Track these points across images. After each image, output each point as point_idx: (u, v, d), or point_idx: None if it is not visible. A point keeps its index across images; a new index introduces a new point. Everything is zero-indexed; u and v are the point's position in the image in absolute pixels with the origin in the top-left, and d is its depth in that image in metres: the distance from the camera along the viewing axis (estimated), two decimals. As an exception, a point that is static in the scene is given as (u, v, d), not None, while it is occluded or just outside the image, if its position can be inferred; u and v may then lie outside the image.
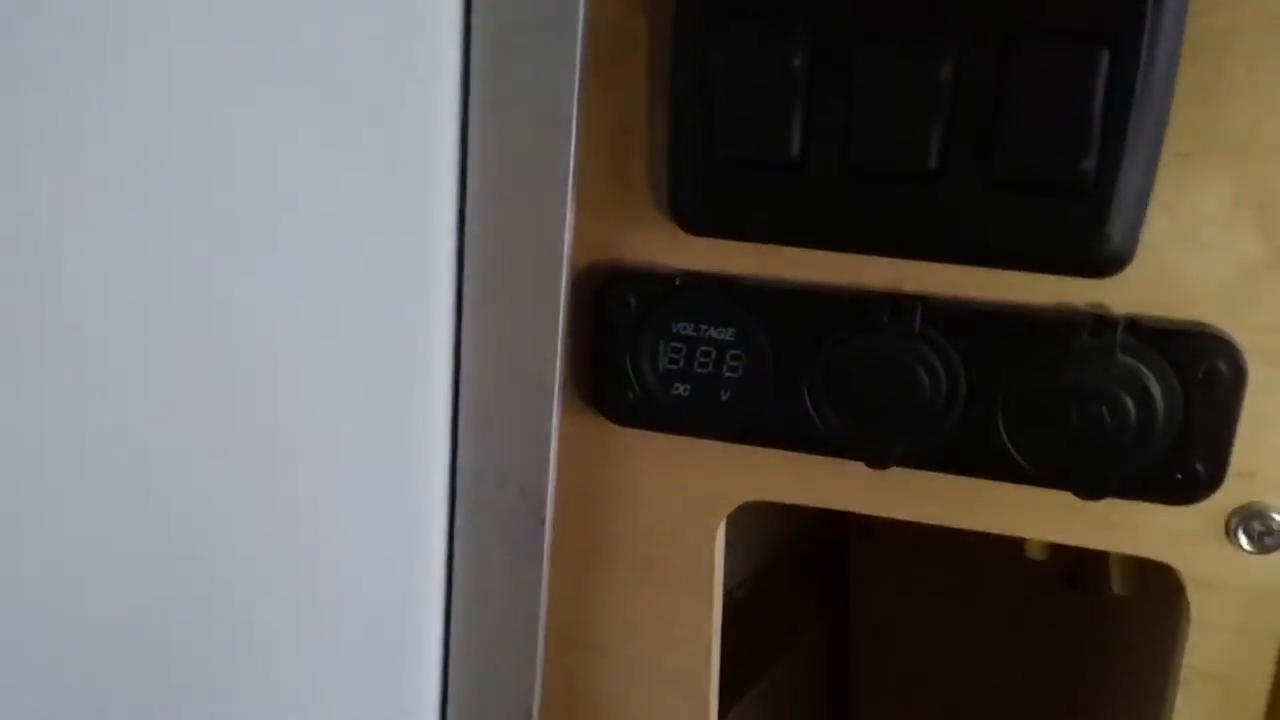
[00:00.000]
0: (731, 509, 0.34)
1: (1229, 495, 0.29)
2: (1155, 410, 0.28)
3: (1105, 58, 0.26)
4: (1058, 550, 0.40)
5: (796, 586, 0.74)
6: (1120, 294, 0.28)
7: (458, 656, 0.35)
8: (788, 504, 0.33)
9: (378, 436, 0.33)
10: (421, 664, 0.35)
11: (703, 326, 0.32)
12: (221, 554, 0.32)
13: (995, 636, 0.69)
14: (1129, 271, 0.28)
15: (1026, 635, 0.68)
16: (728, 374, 0.32)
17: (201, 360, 0.30)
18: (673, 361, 0.32)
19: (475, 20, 0.30)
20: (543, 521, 0.33)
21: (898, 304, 0.30)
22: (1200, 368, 0.28)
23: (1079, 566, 0.63)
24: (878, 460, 0.31)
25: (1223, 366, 0.28)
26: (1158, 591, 0.34)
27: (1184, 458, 0.29)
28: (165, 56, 0.27)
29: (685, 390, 0.32)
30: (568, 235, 0.31)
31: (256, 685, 0.33)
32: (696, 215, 0.31)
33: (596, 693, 0.37)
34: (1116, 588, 0.39)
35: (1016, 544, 0.48)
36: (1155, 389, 0.28)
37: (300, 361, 0.32)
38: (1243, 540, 0.29)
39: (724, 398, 0.32)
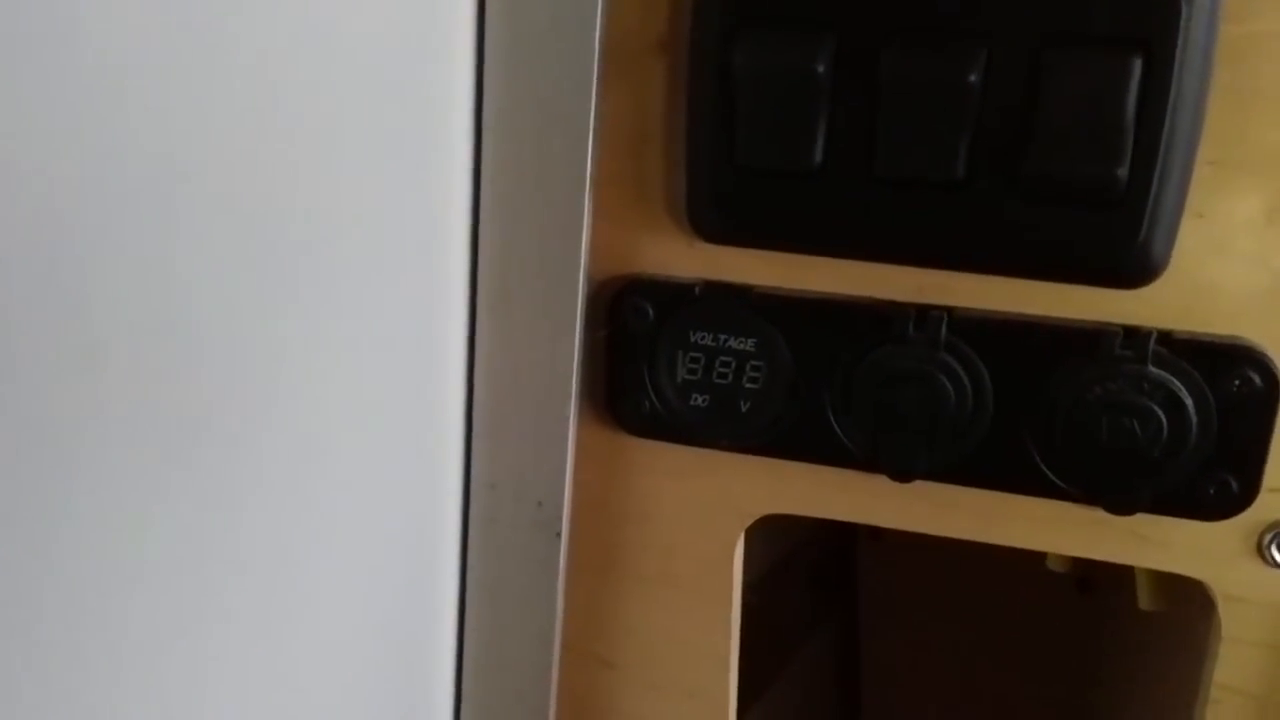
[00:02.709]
0: (750, 522, 0.33)
1: (1263, 510, 0.28)
2: (1188, 424, 0.28)
3: (1138, 65, 0.25)
4: (1072, 558, 0.40)
5: (806, 591, 0.73)
6: (1152, 306, 0.28)
7: (471, 672, 0.35)
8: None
9: (390, 449, 0.32)
10: (435, 680, 0.34)
11: (722, 336, 0.31)
12: (233, 568, 0.32)
13: (1005, 641, 0.69)
14: (1161, 283, 0.27)
15: (1036, 640, 0.68)
16: (747, 385, 0.31)
17: (212, 373, 0.29)
18: (691, 372, 0.32)
19: (490, 27, 0.29)
20: (559, 535, 0.33)
21: (922, 314, 0.29)
22: (1234, 381, 0.27)
23: (1090, 573, 0.62)
24: (901, 473, 0.30)
25: (1257, 380, 0.27)
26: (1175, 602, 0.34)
27: (1217, 472, 0.28)
28: (175, 55, 0.26)
29: (704, 401, 0.32)
30: (585, 244, 0.30)
31: (266, 691, 0.33)
32: (716, 224, 0.30)
33: (612, 710, 0.36)
34: (1143, 603, 0.38)
35: (1030, 552, 0.48)
36: (1188, 402, 0.28)
37: (312, 372, 0.31)
38: (1277, 556, 0.29)
39: (743, 409, 0.31)
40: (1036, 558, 0.47)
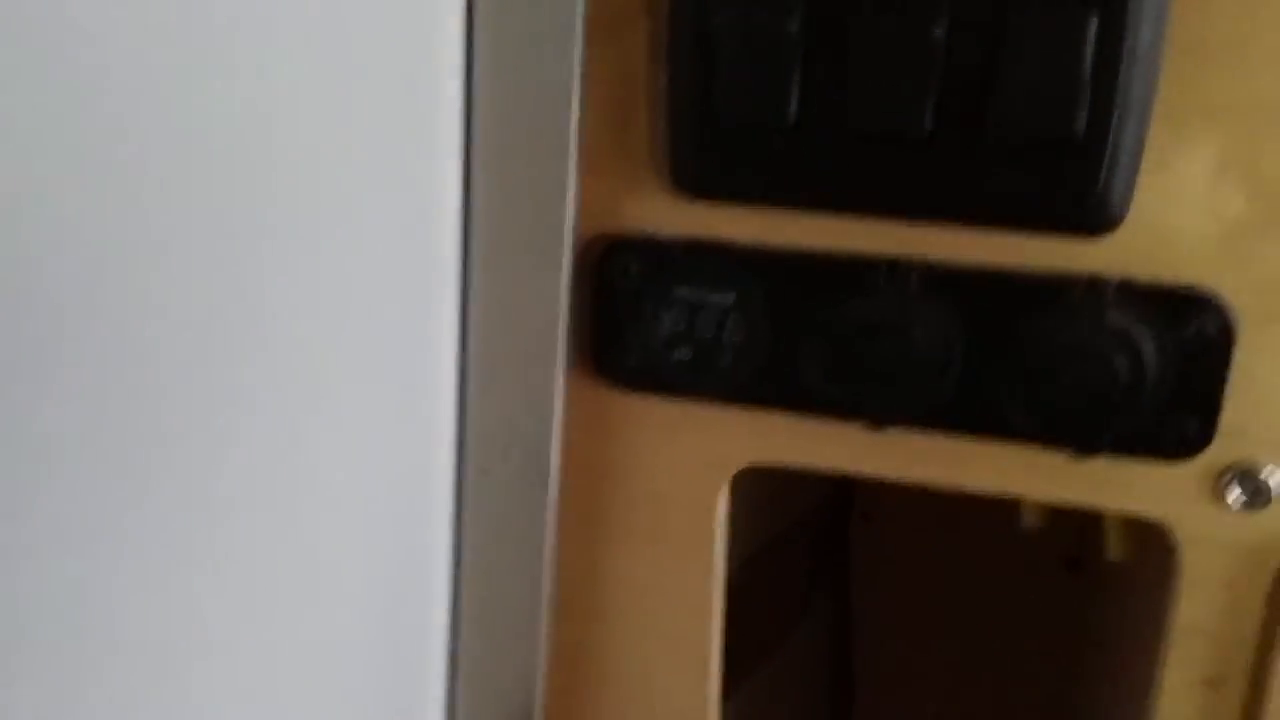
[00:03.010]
0: (733, 473, 0.34)
1: (1219, 453, 0.30)
2: (1146, 369, 0.29)
3: (1095, 22, 0.26)
4: (1058, 533, 0.41)
5: (800, 570, 0.74)
6: (1112, 255, 0.29)
7: (465, 621, 0.36)
8: (789, 485, 0.33)
9: (387, 403, 0.33)
10: (429, 630, 0.36)
11: (703, 291, 0.32)
12: (231, 521, 0.33)
13: (996, 619, 0.70)
14: (1121, 232, 0.29)
15: (1027, 618, 0.69)
16: (728, 338, 0.33)
17: (212, 334, 0.31)
18: (674, 326, 0.33)
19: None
20: (547, 486, 0.34)
21: (894, 267, 0.30)
22: (1190, 326, 0.29)
23: (1080, 551, 0.63)
24: (876, 422, 0.32)
25: (1212, 326, 0.29)
26: (1155, 572, 0.35)
27: (1175, 415, 0.29)
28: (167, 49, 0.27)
29: (686, 354, 0.33)
30: (571, 203, 0.31)
31: (261, 639, 0.34)
32: (697, 179, 0.31)
33: (599, 658, 0.37)
34: (1111, 554, 0.39)
35: (1015, 528, 0.49)
36: (1147, 348, 0.29)
37: (308, 328, 0.32)
38: (1232, 497, 0.30)
39: (724, 361, 0.33)
40: (1022, 535, 0.48)
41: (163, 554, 0.29)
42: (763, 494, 0.59)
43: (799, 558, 0.74)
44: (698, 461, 0.34)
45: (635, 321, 0.33)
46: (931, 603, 0.73)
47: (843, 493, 0.72)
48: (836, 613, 0.78)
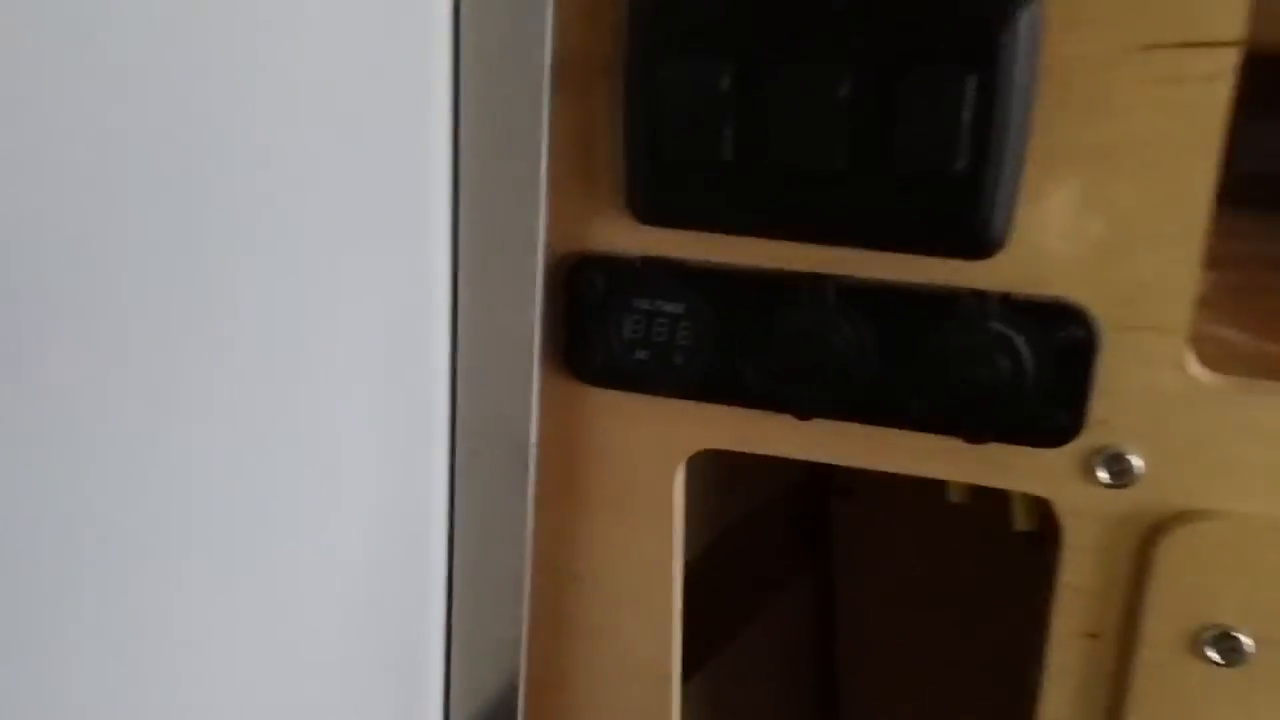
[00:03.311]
0: (687, 455, 0.40)
1: (1089, 439, 0.35)
2: (1025, 369, 0.34)
3: (973, 80, 0.32)
4: (993, 503, 0.46)
5: (782, 544, 0.79)
6: (996, 273, 0.34)
7: (460, 581, 0.42)
8: (768, 464, 0.39)
9: (390, 397, 0.39)
10: (428, 588, 0.42)
11: (658, 302, 0.38)
12: (237, 492, 0.39)
13: (977, 589, 0.73)
14: (1002, 255, 0.34)
15: (1007, 588, 0.73)
16: (680, 341, 0.38)
17: (212, 343, 0.36)
18: (634, 332, 0.38)
19: (464, 46, 0.36)
20: (528, 466, 0.40)
21: (815, 282, 0.36)
22: (1061, 334, 0.34)
23: (1043, 527, 0.68)
24: (803, 413, 0.37)
25: (1078, 333, 0.34)
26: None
27: (1050, 408, 0.35)
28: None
29: (645, 355, 0.38)
30: (543, 227, 0.37)
31: (263, 594, 0.40)
32: (649, 208, 0.37)
33: (577, 614, 0.43)
34: (1016, 525, 0.45)
35: (990, 506, 0.53)
36: (1025, 352, 0.34)
37: (323, 336, 0.38)
38: (1102, 477, 0.35)
39: (677, 361, 0.38)
40: (996, 512, 0.52)
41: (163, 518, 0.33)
42: (741, 469, 0.63)
43: (779, 530, 0.79)
44: (656, 446, 0.40)
45: (600, 327, 0.39)
46: (913, 573, 0.78)
47: (822, 467, 0.77)
48: (819, 584, 0.84)
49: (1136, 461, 0.35)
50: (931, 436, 0.36)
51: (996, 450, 0.36)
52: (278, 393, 0.38)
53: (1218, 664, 0.35)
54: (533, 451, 0.40)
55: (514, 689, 0.43)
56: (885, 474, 0.38)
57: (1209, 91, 0.31)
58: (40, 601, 0.29)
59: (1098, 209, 0.33)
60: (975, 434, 0.36)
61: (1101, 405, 0.35)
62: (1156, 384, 0.34)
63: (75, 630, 0.31)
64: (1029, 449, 0.36)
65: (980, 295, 0.34)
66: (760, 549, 0.75)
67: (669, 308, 0.38)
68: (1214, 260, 0.49)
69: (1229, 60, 0.31)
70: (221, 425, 0.34)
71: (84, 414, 0.30)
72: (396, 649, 0.42)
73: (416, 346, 0.39)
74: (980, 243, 0.34)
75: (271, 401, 0.38)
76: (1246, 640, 0.35)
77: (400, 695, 0.43)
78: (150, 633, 0.34)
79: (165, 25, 0.29)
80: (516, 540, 0.41)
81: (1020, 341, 0.34)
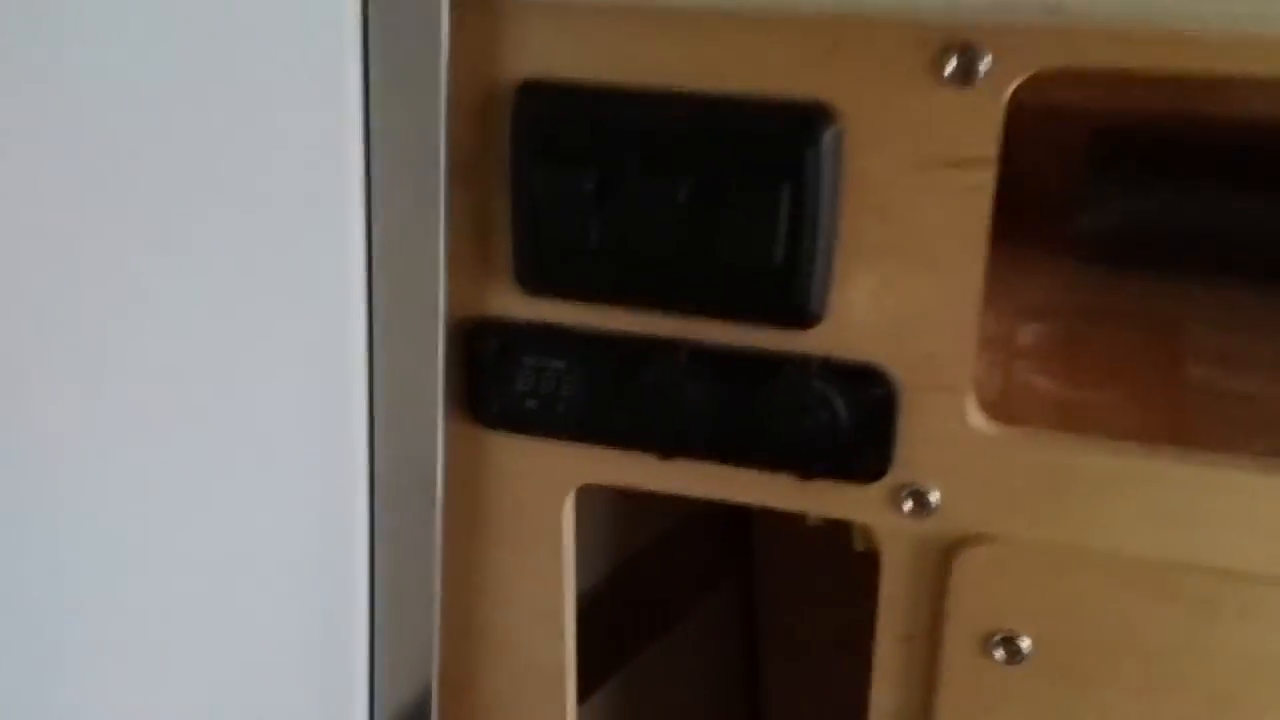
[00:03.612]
0: (574, 487, 0.47)
1: (895, 477, 0.42)
2: (840, 420, 0.41)
3: (786, 190, 0.39)
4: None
5: (704, 549, 0.85)
6: (816, 341, 0.41)
7: (380, 598, 0.49)
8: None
9: (317, 442, 0.46)
10: (353, 605, 0.48)
11: (544, 359, 0.45)
12: (183, 531, 0.45)
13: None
14: (820, 326, 0.41)
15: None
16: (563, 392, 0.45)
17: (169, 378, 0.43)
18: (525, 384, 0.45)
19: (373, 144, 0.43)
20: (435, 500, 0.47)
21: (668, 346, 0.43)
22: (869, 392, 0.41)
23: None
24: (664, 454, 0.44)
25: (882, 391, 0.41)
26: None
27: (862, 452, 0.42)
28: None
29: (534, 404, 0.45)
30: (442, 298, 0.44)
31: (216, 589, 0.46)
32: (535, 282, 0.44)
33: (481, 628, 0.50)
34: (856, 546, 0.52)
35: None
36: (840, 406, 0.41)
37: (262, 394, 0.45)
38: (907, 507, 0.43)
39: (560, 409, 0.45)
40: None
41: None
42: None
43: (704, 536, 0.85)
44: (546, 480, 0.47)
45: (496, 380, 0.45)
46: (833, 571, 0.84)
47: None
48: (742, 589, 0.90)
49: (934, 495, 0.42)
50: (771, 474, 0.43)
51: (824, 485, 0.43)
52: (224, 443, 0.45)
53: (1003, 664, 0.43)
54: (440, 484, 0.46)
55: (430, 689, 0.50)
56: None
57: (973, 200, 0.38)
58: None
59: (892, 292, 0.40)
60: (805, 472, 0.43)
61: (904, 450, 0.42)
62: (946, 433, 0.41)
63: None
64: (849, 484, 0.43)
65: (804, 359, 0.41)
66: (683, 556, 0.81)
67: (553, 364, 0.45)
68: (1041, 313, 0.57)
69: (987, 173, 0.38)
70: (169, 473, 0.41)
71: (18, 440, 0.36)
72: (326, 652, 0.49)
73: (340, 398, 0.46)
74: (800, 316, 0.41)
75: (219, 449, 0.45)
76: (1025, 643, 0.42)
77: (329, 692, 0.49)
78: (80, 633, 0.40)
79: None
80: (427, 563, 0.47)
81: (836, 397, 0.41)
